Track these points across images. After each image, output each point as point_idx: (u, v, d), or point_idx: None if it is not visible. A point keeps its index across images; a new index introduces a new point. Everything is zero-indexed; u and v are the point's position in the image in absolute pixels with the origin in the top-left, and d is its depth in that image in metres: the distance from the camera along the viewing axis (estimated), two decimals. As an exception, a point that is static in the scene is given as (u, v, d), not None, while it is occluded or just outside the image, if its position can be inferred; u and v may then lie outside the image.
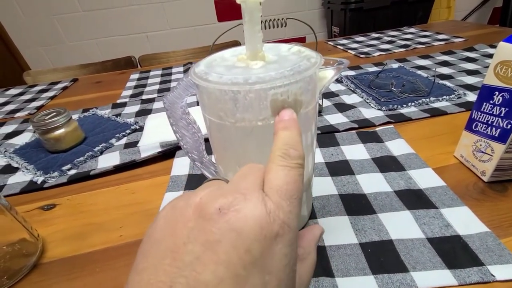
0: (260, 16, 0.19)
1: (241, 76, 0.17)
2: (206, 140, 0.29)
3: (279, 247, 0.12)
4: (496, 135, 0.29)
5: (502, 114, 0.28)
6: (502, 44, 0.28)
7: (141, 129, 0.51)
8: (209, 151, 0.31)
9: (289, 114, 0.17)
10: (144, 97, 0.67)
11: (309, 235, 0.17)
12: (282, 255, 0.12)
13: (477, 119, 0.31)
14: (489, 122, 0.30)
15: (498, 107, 0.29)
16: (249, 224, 0.11)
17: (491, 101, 0.29)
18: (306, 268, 0.15)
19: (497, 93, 0.28)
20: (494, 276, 0.23)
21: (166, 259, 0.11)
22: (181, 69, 0.84)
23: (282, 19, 0.46)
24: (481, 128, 0.31)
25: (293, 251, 0.12)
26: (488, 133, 0.30)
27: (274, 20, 0.45)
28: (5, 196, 0.38)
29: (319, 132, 0.44)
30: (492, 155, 0.30)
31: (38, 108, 0.68)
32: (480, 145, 0.31)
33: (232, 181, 0.14)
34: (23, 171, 0.43)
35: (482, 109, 0.30)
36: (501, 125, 0.29)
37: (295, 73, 0.18)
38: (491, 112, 0.29)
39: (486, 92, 0.29)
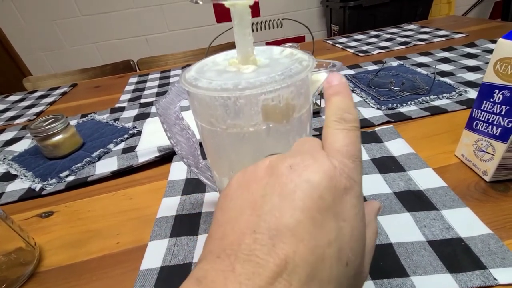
0: (250, 19, 0.18)
1: (231, 82, 0.17)
2: (201, 145, 0.29)
3: (348, 197, 0.13)
4: (497, 134, 0.29)
5: (503, 113, 0.28)
6: (501, 41, 0.27)
7: (139, 133, 0.51)
8: (204, 156, 0.31)
9: (338, 79, 0.16)
10: (142, 101, 0.67)
11: (369, 207, 0.18)
12: (352, 205, 0.13)
13: (478, 117, 0.31)
14: (490, 121, 0.29)
15: (498, 105, 0.28)
16: (320, 176, 0.12)
17: (491, 99, 0.29)
18: (369, 234, 0.15)
19: (497, 91, 0.28)
20: (496, 280, 0.22)
21: (246, 210, 0.12)
22: (179, 71, 0.84)
23: (278, 19, 0.45)
24: (482, 126, 0.30)
25: (361, 203, 0.13)
26: (489, 132, 0.29)
27: (270, 21, 0.45)
28: (3, 204, 0.38)
29: (316, 133, 0.43)
30: (493, 154, 0.29)
31: (38, 114, 0.68)
32: (481, 144, 0.31)
33: (293, 148, 0.15)
34: (21, 178, 0.43)
35: (482, 108, 0.30)
36: (502, 123, 0.28)
37: (286, 78, 0.17)
38: (491, 111, 0.29)
39: (486, 90, 0.29)
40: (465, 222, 0.27)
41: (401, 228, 0.27)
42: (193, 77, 0.19)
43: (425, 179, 0.32)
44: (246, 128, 0.18)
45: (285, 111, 0.18)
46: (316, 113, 0.49)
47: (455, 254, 0.24)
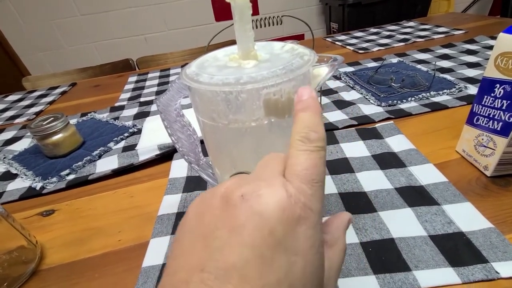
0: (250, 15, 0.18)
1: (232, 77, 0.17)
2: (202, 142, 0.29)
3: (302, 229, 0.12)
4: (498, 129, 0.29)
5: (503, 107, 0.28)
6: (502, 36, 0.27)
7: (139, 132, 0.51)
8: (205, 153, 0.31)
9: (308, 93, 0.15)
10: (142, 99, 0.67)
11: (337, 221, 0.17)
12: (306, 237, 0.12)
13: (478, 112, 0.31)
14: (491, 116, 0.29)
15: (499, 100, 0.28)
16: (271, 207, 0.12)
17: (492, 94, 0.28)
18: (336, 253, 0.15)
19: (498, 85, 0.28)
20: (498, 273, 0.22)
21: (198, 244, 0.12)
22: (179, 70, 0.84)
23: (277, 16, 0.45)
24: (483, 121, 0.30)
25: (317, 233, 0.13)
26: (490, 126, 0.29)
27: (269, 18, 0.45)
28: (4, 203, 0.38)
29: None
30: (494, 149, 0.29)
31: (37, 114, 0.68)
32: (482, 139, 0.31)
33: (255, 171, 0.15)
34: (22, 177, 0.43)
35: (483, 103, 0.30)
36: (503, 118, 0.28)
37: (288, 72, 0.17)
38: (492, 105, 0.29)
39: (487, 85, 0.29)
40: (466, 217, 0.27)
41: (403, 223, 0.27)
42: (194, 73, 0.19)
43: (426, 174, 0.32)
44: (248, 123, 0.18)
45: (286, 106, 0.18)
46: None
47: (456, 248, 0.24)
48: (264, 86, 0.16)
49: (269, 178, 0.13)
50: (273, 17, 0.44)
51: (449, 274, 0.22)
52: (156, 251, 0.28)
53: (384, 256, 0.25)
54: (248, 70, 0.18)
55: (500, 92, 0.28)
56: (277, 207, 0.12)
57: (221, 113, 0.18)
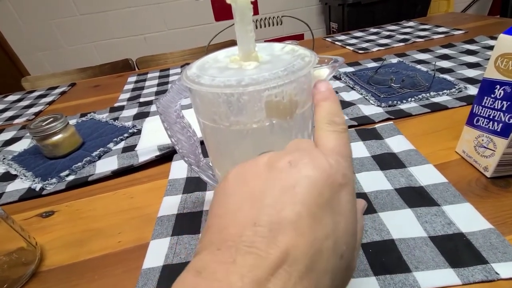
0: (251, 16, 0.18)
1: (234, 78, 0.17)
2: (202, 143, 0.29)
3: (343, 194, 0.13)
4: (498, 130, 0.29)
5: (503, 108, 0.28)
6: (502, 37, 0.27)
7: (139, 132, 0.51)
8: (205, 154, 0.31)
9: (325, 86, 0.18)
10: (141, 99, 0.67)
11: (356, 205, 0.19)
12: (346, 201, 0.13)
13: (478, 113, 0.31)
14: (491, 117, 0.29)
15: (499, 101, 0.28)
16: (318, 173, 0.13)
17: (492, 95, 0.29)
18: (358, 228, 0.16)
19: (498, 86, 0.28)
20: (498, 274, 0.22)
21: (246, 204, 0.13)
22: (179, 70, 0.84)
23: (277, 17, 0.45)
24: (483, 122, 0.30)
25: (354, 199, 0.14)
26: (490, 127, 0.29)
27: (269, 19, 0.45)
28: (4, 204, 0.38)
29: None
30: (494, 150, 0.29)
31: (37, 114, 0.68)
32: (482, 140, 0.31)
33: (288, 147, 0.15)
34: (21, 178, 0.43)
35: (483, 103, 0.30)
36: (503, 119, 0.28)
37: (289, 73, 0.17)
38: (492, 106, 0.29)
39: (487, 86, 0.29)
40: (466, 218, 0.27)
41: (403, 224, 0.27)
42: (195, 74, 0.18)
43: (426, 175, 0.32)
44: (250, 125, 0.18)
45: (288, 107, 0.18)
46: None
47: (456, 249, 0.24)
48: (265, 88, 0.16)
49: (310, 149, 0.14)
50: (273, 18, 0.44)
51: (449, 275, 0.22)
52: (156, 253, 0.28)
53: (385, 257, 0.25)
54: (249, 71, 0.18)
55: (500, 93, 0.28)
56: (323, 173, 0.13)
57: (223, 115, 0.18)
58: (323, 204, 0.12)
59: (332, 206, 0.13)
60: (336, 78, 0.62)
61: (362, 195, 0.31)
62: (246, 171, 0.14)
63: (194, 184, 0.37)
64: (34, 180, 0.41)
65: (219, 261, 0.11)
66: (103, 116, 0.59)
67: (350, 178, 0.14)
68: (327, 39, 0.91)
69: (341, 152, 0.15)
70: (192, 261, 0.12)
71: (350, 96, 0.53)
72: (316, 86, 0.18)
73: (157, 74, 0.84)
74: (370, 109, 0.47)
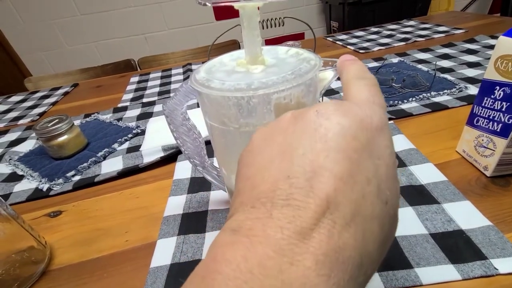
0: (258, 21, 0.19)
1: (243, 82, 0.18)
2: (207, 143, 0.30)
3: (381, 137, 0.12)
4: (498, 130, 0.29)
5: (503, 109, 0.28)
6: (502, 39, 0.27)
7: (142, 133, 0.51)
8: (210, 155, 0.32)
9: (350, 56, 0.18)
10: (144, 100, 0.67)
11: None
12: (385, 145, 0.12)
13: (479, 114, 0.31)
14: (491, 117, 0.30)
15: (499, 102, 0.28)
16: (349, 118, 0.12)
17: (492, 96, 0.29)
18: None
19: (498, 87, 0.28)
20: (497, 269, 0.23)
21: (275, 159, 0.12)
22: (180, 70, 0.84)
23: (279, 18, 0.45)
24: (483, 123, 0.31)
25: (392, 144, 0.13)
26: (490, 128, 0.30)
27: (271, 20, 0.45)
28: (12, 204, 0.39)
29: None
30: (494, 150, 0.30)
31: (41, 115, 0.68)
32: (482, 140, 0.31)
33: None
34: (28, 178, 0.43)
35: (483, 104, 0.30)
36: (502, 119, 0.28)
37: (297, 77, 0.18)
38: (492, 107, 0.29)
39: (487, 87, 0.29)
40: (465, 215, 0.28)
41: (404, 222, 0.28)
42: (205, 78, 0.19)
43: (426, 173, 0.33)
44: (259, 127, 0.19)
45: (295, 109, 0.18)
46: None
47: (456, 246, 0.25)
48: (275, 91, 0.17)
49: (336, 101, 0.13)
50: (275, 19, 0.44)
51: (450, 271, 0.23)
52: (163, 252, 0.29)
53: (387, 254, 0.25)
54: (257, 75, 0.19)
55: (500, 94, 0.28)
56: (355, 116, 0.12)
57: (232, 117, 0.19)
58: (360, 148, 0.11)
59: (371, 150, 0.12)
60: (337, 78, 0.62)
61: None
62: (270, 129, 0.13)
63: (198, 184, 0.37)
64: (41, 181, 0.42)
65: (254, 218, 0.11)
66: (107, 116, 0.60)
67: (387, 124, 0.13)
68: (328, 38, 0.92)
69: (376, 101, 0.14)
70: (226, 224, 0.11)
71: (352, 96, 0.53)
72: (342, 56, 0.18)
73: (159, 74, 0.84)
74: (372, 109, 0.47)
